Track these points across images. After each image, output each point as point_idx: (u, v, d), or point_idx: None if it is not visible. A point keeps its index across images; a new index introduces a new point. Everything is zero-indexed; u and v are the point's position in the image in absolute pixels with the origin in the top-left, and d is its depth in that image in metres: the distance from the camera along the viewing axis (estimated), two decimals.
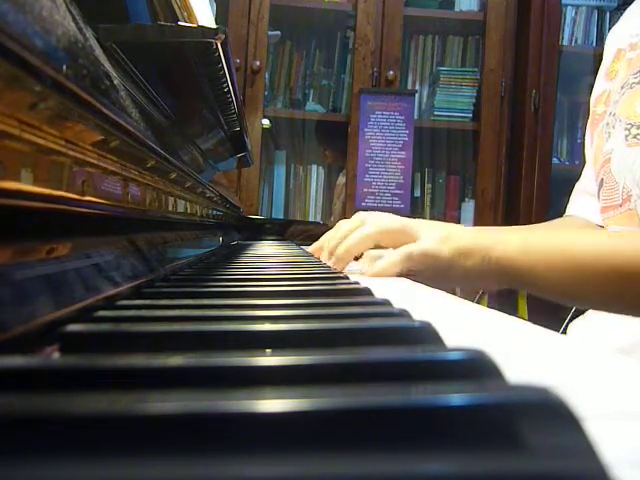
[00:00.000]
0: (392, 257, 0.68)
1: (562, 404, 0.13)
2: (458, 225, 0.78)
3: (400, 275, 0.68)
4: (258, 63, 2.11)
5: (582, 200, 0.91)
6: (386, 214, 0.77)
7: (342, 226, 0.76)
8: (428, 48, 2.41)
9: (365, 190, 2.18)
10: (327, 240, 0.79)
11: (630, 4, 0.90)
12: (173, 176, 0.55)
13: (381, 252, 0.72)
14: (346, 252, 0.71)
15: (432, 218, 2.33)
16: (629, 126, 0.75)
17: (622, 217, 0.75)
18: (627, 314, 0.66)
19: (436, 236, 0.69)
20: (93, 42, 0.36)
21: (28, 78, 0.22)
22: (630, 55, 0.81)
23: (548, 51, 2.16)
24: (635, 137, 0.73)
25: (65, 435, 0.12)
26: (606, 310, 0.69)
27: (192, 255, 0.65)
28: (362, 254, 0.74)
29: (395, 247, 0.71)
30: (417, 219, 0.76)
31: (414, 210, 2.28)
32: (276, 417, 0.13)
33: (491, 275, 0.67)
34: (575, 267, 0.61)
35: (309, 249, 0.91)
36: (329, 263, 0.72)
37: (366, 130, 2.19)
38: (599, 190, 0.81)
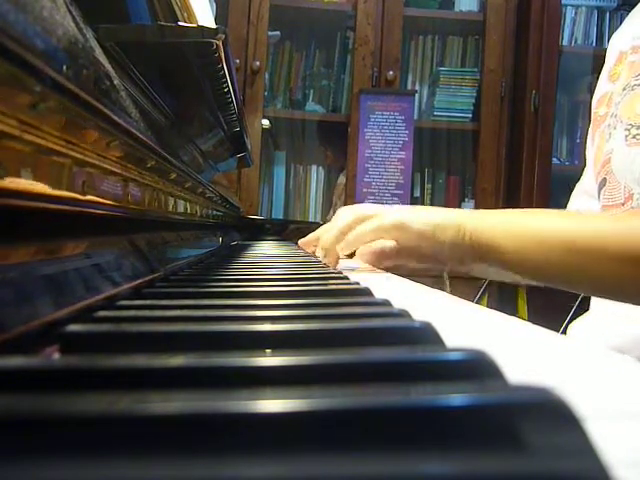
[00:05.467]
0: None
1: (562, 404, 0.13)
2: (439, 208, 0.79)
3: (382, 268, 0.69)
4: (258, 63, 2.11)
5: (581, 201, 0.92)
6: (381, 206, 0.78)
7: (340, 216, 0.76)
8: (428, 48, 2.40)
9: (365, 190, 2.18)
10: (324, 233, 0.79)
11: (630, 4, 0.89)
12: (173, 176, 0.55)
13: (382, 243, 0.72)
14: (356, 240, 0.71)
15: None
16: (629, 127, 0.75)
17: None
18: (593, 294, 0.66)
19: (410, 210, 0.71)
20: (93, 42, 0.36)
21: (28, 78, 0.22)
22: (632, 58, 0.81)
23: (548, 51, 2.16)
24: (635, 137, 0.74)
25: (65, 435, 0.12)
26: (572, 290, 0.69)
27: (192, 255, 0.65)
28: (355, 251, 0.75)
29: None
30: (409, 206, 0.78)
31: None
32: (276, 417, 0.13)
33: (465, 249, 0.66)
34: (539, 242, 0.61)
35: (300, 241, 0.92)
36: (325, 259, 0.73)
37: (366, 130, 2.19)
38: (600, 190, 0.81)
